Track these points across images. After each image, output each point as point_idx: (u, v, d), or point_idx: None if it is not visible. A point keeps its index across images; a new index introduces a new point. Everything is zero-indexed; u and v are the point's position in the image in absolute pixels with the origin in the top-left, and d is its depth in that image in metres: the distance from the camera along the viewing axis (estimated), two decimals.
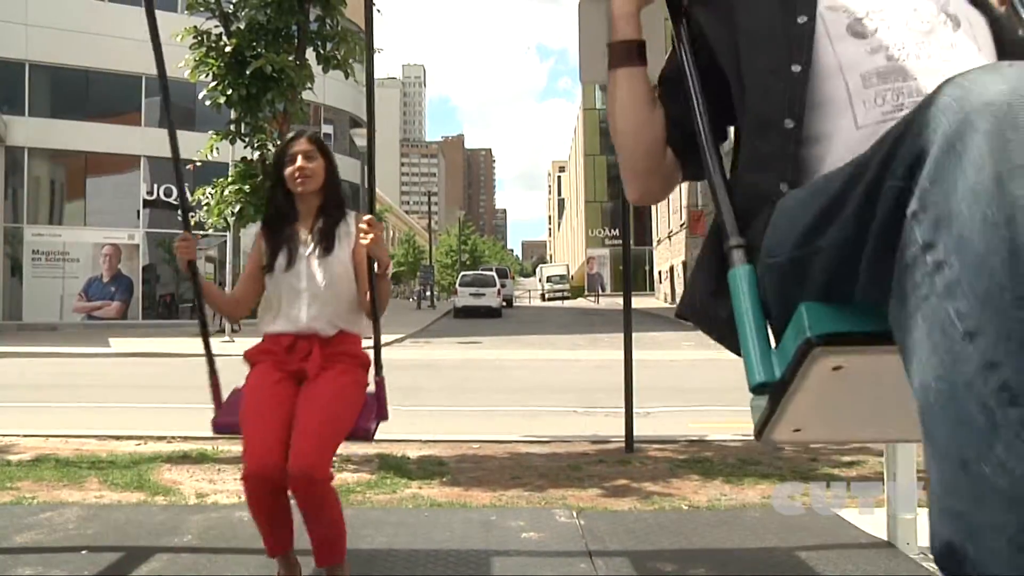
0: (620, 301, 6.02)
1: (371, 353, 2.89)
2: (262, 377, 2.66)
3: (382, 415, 2.85)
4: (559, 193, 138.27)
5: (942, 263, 0.72)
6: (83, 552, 3.26)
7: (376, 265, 2.74)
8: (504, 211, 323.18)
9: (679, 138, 1.38)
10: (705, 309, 1.30)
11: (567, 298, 53.21)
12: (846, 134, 1.18)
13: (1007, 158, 0.69)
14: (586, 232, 69.62)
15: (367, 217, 2.70)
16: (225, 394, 2.89)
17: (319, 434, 2.46)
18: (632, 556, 3.17)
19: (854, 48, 1.22)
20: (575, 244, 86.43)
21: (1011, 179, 0.68)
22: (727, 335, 1.17)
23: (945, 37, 1.21)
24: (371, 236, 2.65)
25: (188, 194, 2.80)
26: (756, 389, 1.02)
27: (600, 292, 52.99)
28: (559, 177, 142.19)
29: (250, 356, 2.77)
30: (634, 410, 5.58)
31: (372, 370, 2.86)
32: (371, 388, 2.83)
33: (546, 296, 54.97)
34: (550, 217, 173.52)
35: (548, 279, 57.56)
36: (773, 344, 1.04)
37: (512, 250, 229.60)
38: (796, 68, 1.22)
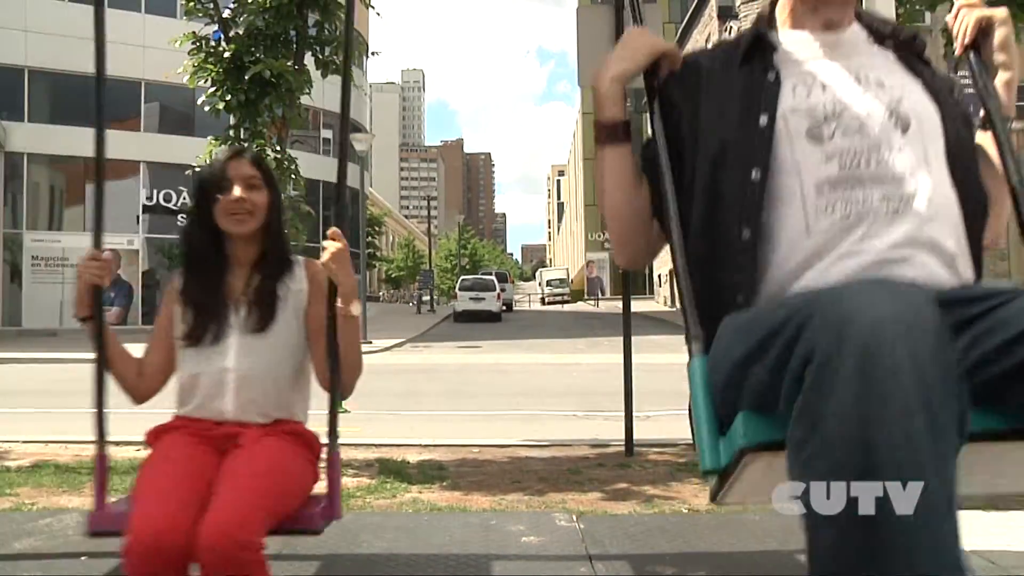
0: (620, 305, 6.02)
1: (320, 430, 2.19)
2: (169, 445, 2.02)
3: (333, 511, 2.12)
4: (559, 197, 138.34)
5: (812, 461, 0.94)
6: (83, 558, 3.25)
7: (339, 297, 2.04)
8: (504, 215, 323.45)
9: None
10: None
11: (567, 302, 53.19)
12: (797, 239, 1.29)
13: (867, 399, 0.88)
14: (586, 236, 69.62)
15: (331, 230, 2.06)
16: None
17: (250, 496, 1.80)
18: (632, 560, 3.17)
19: (811, 152, 1.32)
20: (575, 248, 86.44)
21: (865, 407, 0.88)
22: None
23: (894, 141, 1.33)
24: (331, 251, 2.01)
25: (103, 199, 2.28)
26: (706, 473, 1.18)
27: (600, 296, 52.96)
28: (558, 181, 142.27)
29: (152, 436, 2.12)
30: (634, 414, 5.57)
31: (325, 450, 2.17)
32: (321, 484, 2.14)
33: (546, 300, 54.95)
34: (550, 221, 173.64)
35: (548, 283, 57.54)
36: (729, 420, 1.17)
37: (512, 254, 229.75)
38: (756, 175, 1.32)
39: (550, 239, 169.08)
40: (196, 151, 5.87)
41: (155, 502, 1.77)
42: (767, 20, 1.50)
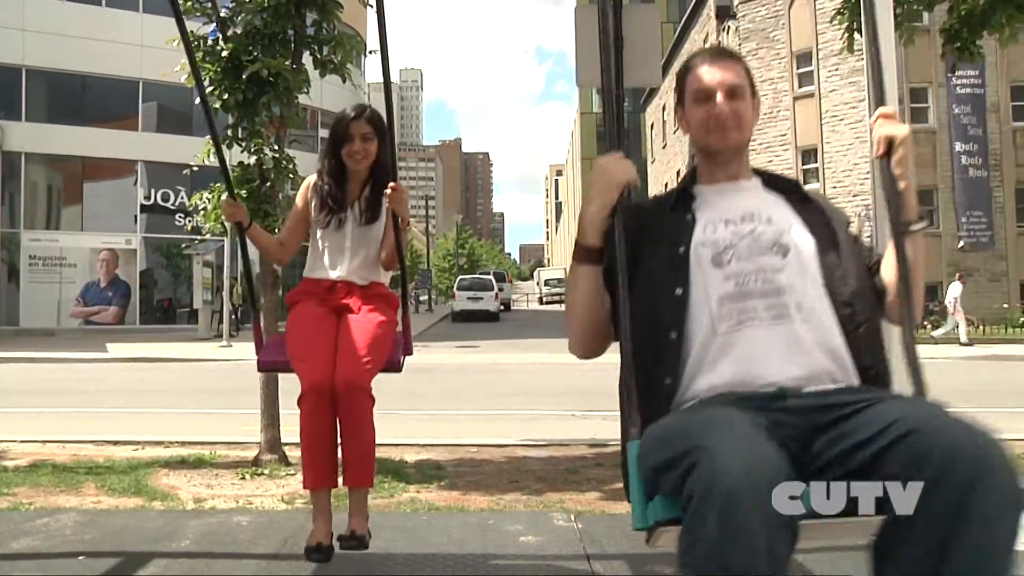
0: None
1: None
2: (305, 312, 3.00)
3: (408, 350, 3.26)
4: (557, 196, 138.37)
5: (686, 564, 1.36)
6: (80, 558, 3.25)
7: (399, 220, 3.09)
8: (502, 215, 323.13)
9: None
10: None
11: (564, 301, 53.16)
12: (707, 339, 1.72)
13: (723, 542, 1.29)
14: None
15: (392, 184, 3.02)
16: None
17: (362, 353, 2.80)
18: (630, 559, 3.18)
19: (714, 274, 1.76)
20: (573, 248, 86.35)
21: (725, 553, 1.29)
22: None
23: (776, 264, 1.75)
24: (397, 197, 3.00)
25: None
26: (636, 529, 1.57)
27: None
28: (556, 180, 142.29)
29: (291, 297, 3.10)
30: None
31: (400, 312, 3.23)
32: (399, 328, 3.19)
33: (544, 299, 54.92)
34: (548, 220, 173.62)
35: (546, 283, 57.46)
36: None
37: (510, 254, 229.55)
38: (679, 291, 1.76)
39: (548, 239, 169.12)
40: (194, 150, 5.86)
41: (312, 360, 2.79)
42: (691, 176, 1.96)
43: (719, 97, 1.83)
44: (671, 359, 1.72)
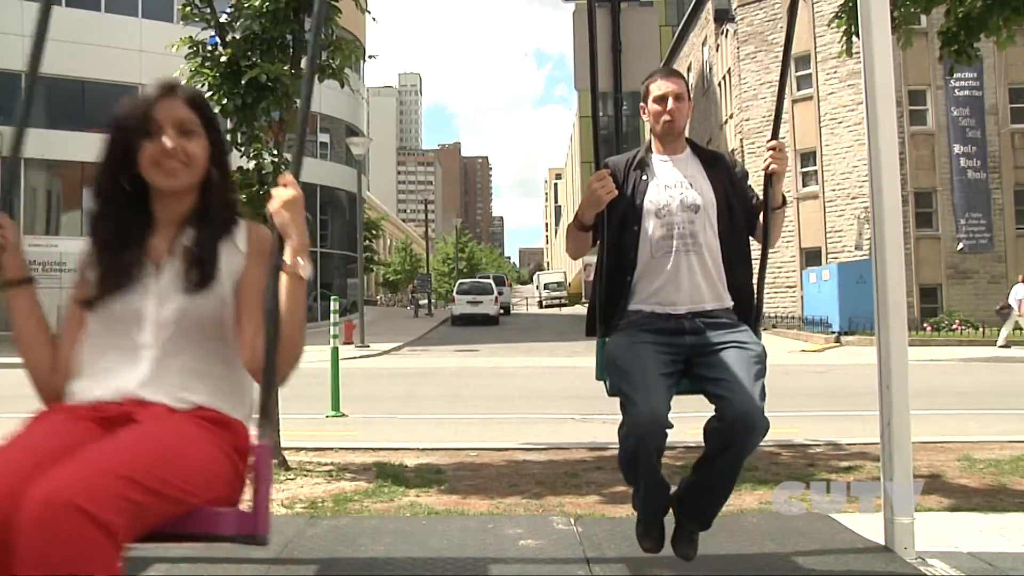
0: None
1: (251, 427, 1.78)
2: (42, 417, 1.72)
3: (256, 525, 1.61)
4: (556, 200, 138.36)
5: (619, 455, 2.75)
6: None
7: (285, 253, 1.68)
8: (501, 218, 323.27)
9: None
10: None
11: (564, 305, 53.18)
12: (647, 264, 2.78)
13: (632, 459, 2.63)
14: None
15: (283, 175, 1.78)
16: None
17: (113, 460, 1.41)
18: (629, 563, 3.17)
19: (655, 222, 2.78)
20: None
21: (633, 464, 2.65)
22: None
23: (693, 217, 2.78)
24: (286, 197, 1.70)
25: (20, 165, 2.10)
26: (599, 378, 2.87)
27: None
28: (556, 184, 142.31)
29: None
30: None
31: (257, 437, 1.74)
32: (244, 504, 1.67)
33: (543, 303, 54.93)
34: (547, 224, 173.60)
35: (545, 286, 57.52)
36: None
37: (509, 257, 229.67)
38: (635, 228, 2.80)
39: (547, 242, 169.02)
40: None
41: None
42: (647, 147, 2.94)
43: (670, 103, 2.84)
44: (628, 267, 2.81)
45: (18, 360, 1.92)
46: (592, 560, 3.19)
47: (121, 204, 1.77)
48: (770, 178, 2.85)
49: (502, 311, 35.67)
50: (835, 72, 24.24)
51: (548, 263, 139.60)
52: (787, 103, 23.24)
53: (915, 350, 6.56)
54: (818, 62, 24.92)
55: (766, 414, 2.47)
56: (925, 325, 21.03)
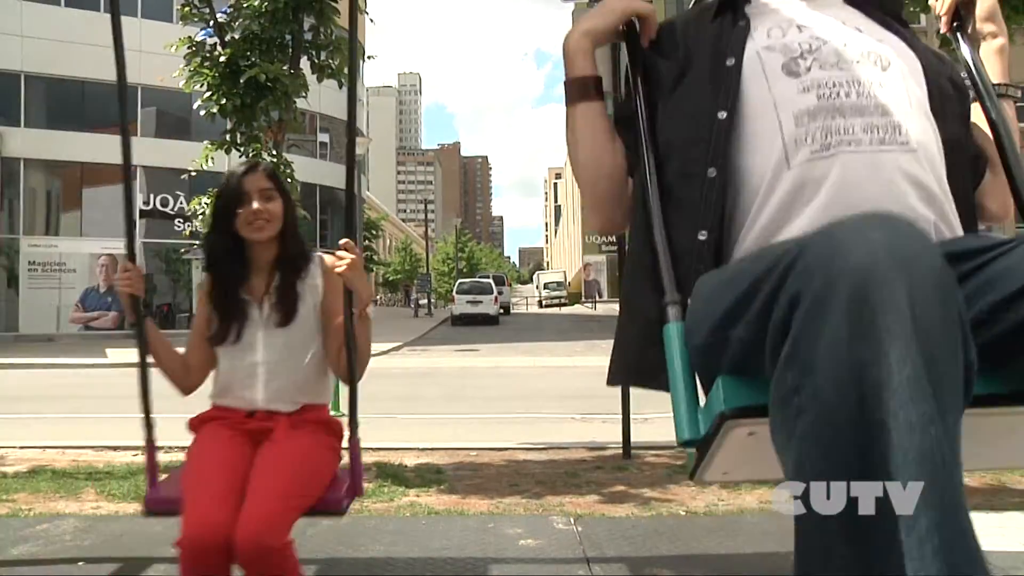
0: (617, 307, 6.03)
1: (343, 418, 2.43)
2: (210, 437, 2.24)
3: (356, 490, 2.37)
4: (556, 199, 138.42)
5: (803, 410, 0.82)
6: (80, 564, 3.25)
7: (354, 301, 2.26)
8: (501, 218, 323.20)
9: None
10: (641, 364, 1.34)
11: (564, 305, 53.16)
12: (775, 176, 1.24)
13: (859, 329, 0.78)
14: (582, 238, 69.62)
15: (343, 241, 2.28)
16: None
17: (278, 497, 2.01)
18: (630, 562, 3.17)
19: (788, 86, 1.28)
20: (572, 250, 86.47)
21: (858, 347, 0.78)
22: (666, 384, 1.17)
23: (874, 76, 1.28)
24: (347, 262, 2.23)
25: (135, 209, 2.52)
26: (683, 444, 1.10)
27: (597, 298, 52.95)
28: (556, 184, 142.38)
29: (194, 423, 2.36)
30: (631, 416, 5.57)
31: (347, 435, 2.40)
32: (344, 461, 2.39)
33: (543, 303, 54.92)
34: (547, 224, 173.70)
35: (545, 286, 57.47)
36: (702, 397, 1.11)
37: (509, 257, 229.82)
38: (722, 115, 1.29)
39: (547, 242, 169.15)
40: (193, 155, 5.88)
41: (202, 502, 2.01)
42: None
43: None
44: (709, 207, 1.28)
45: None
46: (592, 560, 3.19)
47: (227, 253, 2.35)
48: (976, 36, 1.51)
49: (502, 311, 35.67)
50: None
51: (548, 263, 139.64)
52: None
53: None
54: None
55: None
56: None
